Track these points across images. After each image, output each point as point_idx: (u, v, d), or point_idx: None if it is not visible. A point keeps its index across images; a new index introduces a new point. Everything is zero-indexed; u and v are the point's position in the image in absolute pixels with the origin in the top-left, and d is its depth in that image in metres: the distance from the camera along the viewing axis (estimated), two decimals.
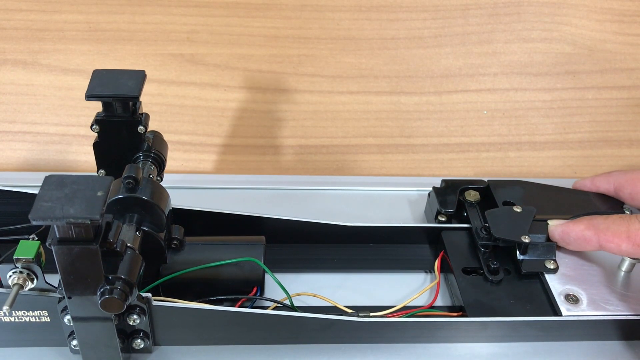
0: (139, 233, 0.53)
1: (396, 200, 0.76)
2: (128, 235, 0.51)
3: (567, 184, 0.71)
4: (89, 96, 0.55)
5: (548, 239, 0.62)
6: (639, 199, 0.65)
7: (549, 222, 0.63)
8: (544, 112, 0.87)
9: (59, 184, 0.42)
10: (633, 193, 0.65)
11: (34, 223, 0.40)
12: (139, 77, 0.56)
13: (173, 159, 0.81)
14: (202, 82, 0.84)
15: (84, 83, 0.82)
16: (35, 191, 0.62)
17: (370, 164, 0.84)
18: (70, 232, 0.42)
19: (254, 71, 0.84)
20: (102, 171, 0.61)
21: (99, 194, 0.41)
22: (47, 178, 0.42)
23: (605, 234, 0.57)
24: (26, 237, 0.50)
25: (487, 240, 0.63)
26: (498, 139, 0.86)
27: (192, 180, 0.78)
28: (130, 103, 0.56)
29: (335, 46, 0.85)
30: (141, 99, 0.59)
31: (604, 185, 0.68)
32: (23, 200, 0.63)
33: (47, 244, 0.44)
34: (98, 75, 0.56)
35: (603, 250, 0.58)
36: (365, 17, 0.85)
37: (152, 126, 0.61)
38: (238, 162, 0.83)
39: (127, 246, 0.49)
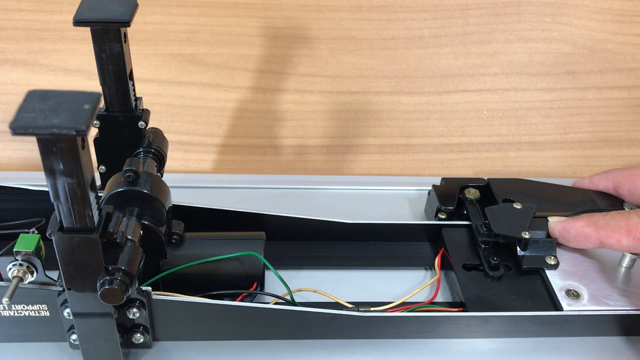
0: (139, 226, 0.53)
1: (396, 199, 0.76)
2: (128, 227, 0.51)
3: (567, 183, 0.71)
4: (77, 21, 0.52)
5: (548, 236, 0.62)
6: (638, 195, 0.65)
7: (549, 218, 0.63)
8: (544, 112, 0.87)
9: (42, 97, 0.39)
10: (632, 189, 0.65)
11: (13, 134, 0.37)
12: (130, 3, 0.53)
13: (173, 159, 0.81)
14: (202, 82, 0.84)
15: (84, 83, 0.83)
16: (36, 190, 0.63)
17: (370, 164, 0.84)
18: (54, 148, 0.39)
19: (254, 71, 0.84)
20: (103, 167, 0.61)
21: (86, 106, 0.38)
22: (29, 92, 0.39)
23: (605, 230, 0.57)
24: (26, 231, 0.50)
25: (487, 237, 0.63)
26: (498, 139, 0.86)
27: (192, 179, 0.78)
28: (122, 31, 0.54)
29: (335, 46, 0.85)
30: (141, 97, 0.60)
31: (603, 183, 0.68)
32: (24, 197, 0.63)
33: (47, 234, 0.43)
34: (87, 2, 0.54)
35: (604, 247, 0.58)
36: (365, 17, 0.85)
37: (152, 126, 0.61)
38: (238, 162, 0.83)
39: (127, 238, 0.49)
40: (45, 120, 0.37)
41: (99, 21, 0.52)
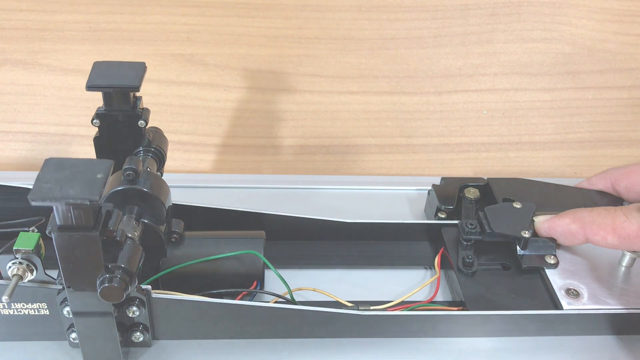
0: (139, 225, 0.53)
1: (396, 198, 0.76)
2: (128, 226, 0.51)
3: (567, 183, 0.71)
4: (90, 87, 0.55)
5: None
6: (635, 191, 0.65)
7: (535, 218, 0.62)
8: (544, 112, 0.87)
9: (58, 166, 0.42)
10: (629, 186, 0.65)
11: (33, 204, 0.40)
12: (140, 68, 0.56)
13: (173, 159, 0.81)
14: (202, 82, 0.84)
15: (83, 83, 0.81)
16: None
17: (370, 164, 0.84)
18: (69, 214, 0.42)
19: (254, 71, 0.84)
20: None
21: (99, 176, 0.41)
22: (46, 161, 0.42)
23: (590, 227, 0.57)
24: (26, 229, 0.50)
25: (471, 235, 0.62)
26: (498, 139, 0.86)
27: (192, 179, 0.78)
28: (131, 94, 0.56)
29: (335, 46, 0.85)
30: (141, 97, 0.60)
31: (601, 182, 0.68)
32: (24, 197, 0.62)
33: (47, 231, 0.43)
34: (98, 67, 0.56)
35: (590, 243, 0.58)
36: (365, 17, 0.85)
37: (151, 125, 0.61)
38: (238, 162, 0.83)
39: (127, 236, 0.49)
40: (61, 192, 0.40)
41: (110, 86, 0.55)
